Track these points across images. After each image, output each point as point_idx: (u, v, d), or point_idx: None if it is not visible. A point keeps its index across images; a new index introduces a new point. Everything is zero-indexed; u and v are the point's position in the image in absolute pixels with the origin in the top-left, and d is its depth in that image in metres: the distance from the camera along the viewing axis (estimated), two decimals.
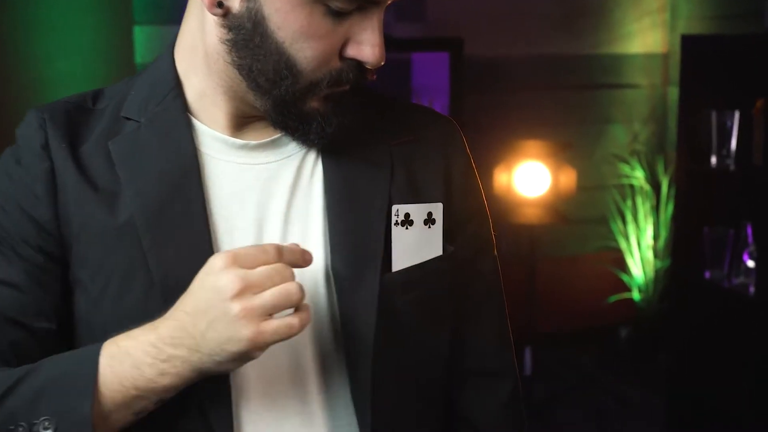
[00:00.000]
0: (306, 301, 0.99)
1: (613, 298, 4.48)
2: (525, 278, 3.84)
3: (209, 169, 1.08)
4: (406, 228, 1.11)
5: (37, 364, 1.00)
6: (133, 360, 0.96)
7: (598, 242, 4.51)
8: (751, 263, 3.26)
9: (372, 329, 1.06)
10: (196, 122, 1.10)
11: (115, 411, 0.97)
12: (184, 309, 0.96)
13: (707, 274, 3.38)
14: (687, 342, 3.49)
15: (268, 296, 0.93)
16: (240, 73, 1.03)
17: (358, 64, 1.02)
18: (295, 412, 1.08)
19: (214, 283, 0.93)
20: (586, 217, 4.42)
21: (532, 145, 3.76)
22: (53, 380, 0.98)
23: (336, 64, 1.01)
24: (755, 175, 3.23)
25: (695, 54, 3.41)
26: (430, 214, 1.12)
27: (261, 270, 0.93)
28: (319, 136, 1.05)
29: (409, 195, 1.12)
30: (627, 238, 4.47)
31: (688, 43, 3.45)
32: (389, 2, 1.02)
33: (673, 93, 4.38)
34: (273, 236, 1.08)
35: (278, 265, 0.94)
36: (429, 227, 1.12)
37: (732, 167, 3.28)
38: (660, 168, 4.47)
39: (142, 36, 3.51)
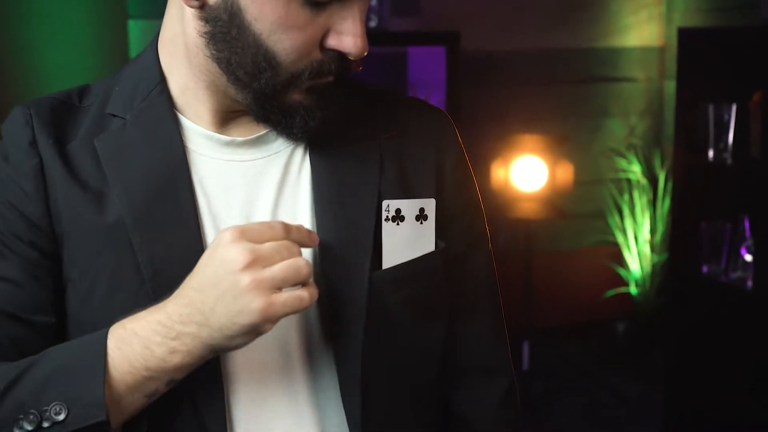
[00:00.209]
0: None
1: (611, 293, 4.47)
2: (522, 273, 3.84)
3: (196, 166, 1.07)
4: (397, 224, 1.09)
5: (40, 354, 0.98)
6: (142, 340, 0.95)
7: (595, 236, 4.51)
8: (748, 257, 3.25)
9: (361, 327, 1.05)
10: (181, 118, 1.08)
11: (126, 394, 0.95)
12: (191, 286, 0.95)
13: (704, 269, 3.38)
14: (684, 336, 3.49)
15: (278, 269, 0.92)
16: (219, 67, 1.01)
17: (340, 55, 1.00)
18: (285, 410, 1.07)
19: (223, 256, 0.93)
20: (583, 212, 4.41)
21: (529, 140, 3.75)
22: (61, 366, 0.96)
23: (317, 55, 0.99)
24: (752, 168, 3.23)
25: (692, 47, 3.39)
26: (422, 209, 1.10)
27: (270, 245, 0.93)
28: (302, 130, 1.03)
29: (399, 190, 1.10)
30: (624, 232, 4.46)
31: (685, 36, 3.44)
32: None
33: (670, 86, 4.38)
34: None
35: (286, 242, 0.94)
36: (421, 223, 1.11)
37: (729, 161, 3.27)
38: (657, 162, 4.47)
39: (136, 30, 3.49)
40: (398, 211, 1.09)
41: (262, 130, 1.09)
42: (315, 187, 1.08)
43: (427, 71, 4.02)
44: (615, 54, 4.47)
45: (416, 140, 1.15)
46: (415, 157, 1.13)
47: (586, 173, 4.31)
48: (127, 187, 1.03)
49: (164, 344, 0.94)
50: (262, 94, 1.00)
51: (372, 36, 3.95)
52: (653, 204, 4.46)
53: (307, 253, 1.05)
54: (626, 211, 4.47)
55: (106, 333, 0.96)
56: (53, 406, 0.93)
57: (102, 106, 1.09)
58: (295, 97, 1.01)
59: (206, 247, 1.02)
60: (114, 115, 1.08)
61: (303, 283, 0.95)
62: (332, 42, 0.99)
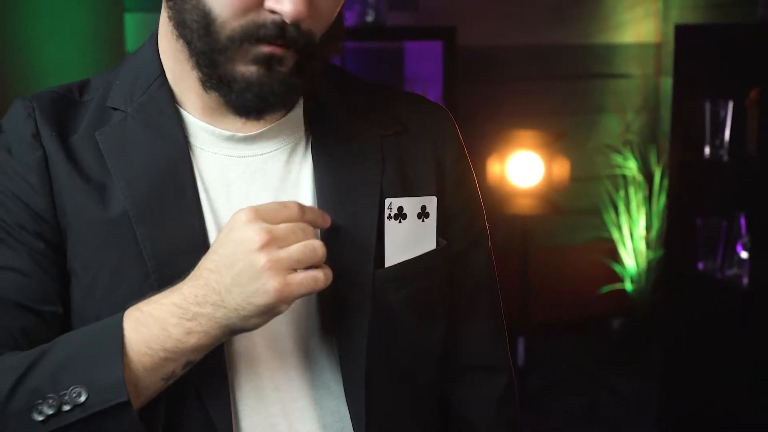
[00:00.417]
0: (298, 299, 0.98)
1: (606, 289, 4.47)
2: (518, 269, 3.84)
3: (197, 160, 1.07)
4: (399, 222, 1.09)
5: (52, 342, 0.97)
6: (158, 322, 0.94)
7: (591, 233, 4.51)
8: (744, 254, 3.25)
9: (365, 325, 1.05)
10: (182, 112, 1.08)
11: (144, 377, 0.94)
12: (206, 267, 0.94)
13: (700, 265, 3.38)
14: (680, 333, 3.49)
15: (294, 250, 0.93)
16: (182, 45, 1.02)
17: (283, 22, 0.97)
18: (286, 406, 1.07)
19: (239, 236, 0.93)
20: (579, 208, 4.41)
21: (525, 135, 3.75)
22: (77, 351, 0.95)
23: (255, 17, 0.97)
24: (749, 165, 3.23)
25: (689, 43, 3.39)
26: (423, 207, 1.10)
27: (285, 225, 0.94)
28: (256, 106, 1.01)
29: (401, 188, 1.10)
30: (620, 228, 4.46)
31: (682, 32, 3.43)
32: None
33: (666, 83, 4.38)
34: None
35: (301, 223, 0.95)
36: (423, 221, 1.10)
37: (725, 158, 3.27)
38: (653, 158, 4.47)
39: (133, 23, 3.48)
40: (400, 209, 1.09)
41: (263, 127, 1.08)
42: (317, 185, 1.08)
43: (423, 66, 4.01)
44: (611, 50, 4.47)
45: (416, 137, 1.14)
46: (416, 154, 1.13)
47: (582, 169, 4.32)
48: (130, 180, 1.03)
49: (181, 325, 0.94)
50: (208, 59, 0.99)
51: (369, 31, 3.97)
52: (649, 200, 4.46)
53: None
54: (622, 208, 4.47)
55: (121, 316, 0.95)
56: (72, 389, 0.92)
57: (102, 100, 1.09)
58: (240, 67, 0.99)
59: (209, 241, 1.02)
60: (115, 109, 1.07)
61: (317, 265, 0.95)
62: (270, 2, 0.97)
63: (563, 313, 4.47)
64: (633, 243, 4.43)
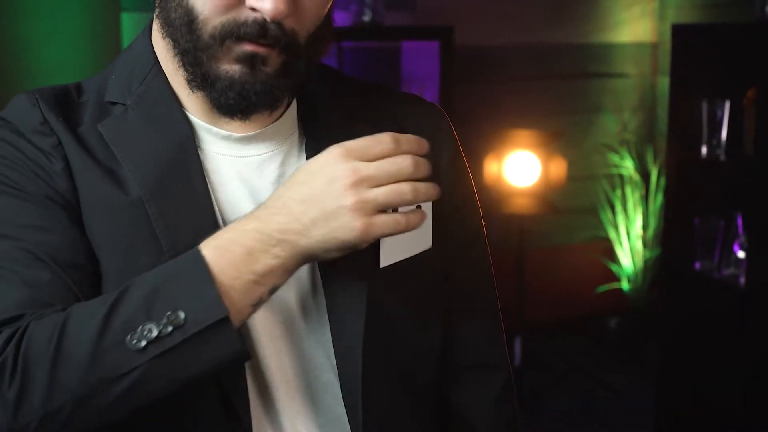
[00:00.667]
0: (293, 299, 1.00)
1: (603, 288, 4.48)
2: (515, 268, 3.84)
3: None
4: None
5: (126, 284, 0.94)
6: (243, 247, 0.93)
7: (588, 232, 4.51)
8: (741, 254, 3.25)
9: (361, 326, 1.05)
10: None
11: (237, 300, 0.93)
12: (292, 197, 0.95)
13: (697, 265, 3.38)
14: (676, 332, 3.49)
15: (382, 193, 0.94)
16: (168, 44, 1.03)
17: (264, 20, 0.98)
18: (285, 404, 1.08)
19: (331, 173, 0.94)
20: (575, 207, 4.41)
21: (522, 135, 3.75)
22: (161, 282, 0.92)
23: (236, 14, 0.98)
24: (746, 165, 3.22)
25: (686, 43, 3.39)
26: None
27: (377, 164, 0.95)
28: (239, 105, 1.02)
29: None
30: (616, 228, 4.47)
31: (679, 32, 3.43)
32: None
33: (663, 82, 4.38)
34: None
35: (397, 158, 0.95)
36: None
37: (723, 157, 3.26)
38: (649, 158, 4.47)
39: (129, 23, 3.47)
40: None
41: (259, 128, 1.08)
42: None
43: (420, 66, 4.01)
44: (608, 50, 4.47)
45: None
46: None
47: (579, 169, 4.31)
48: (138, 166, 1.03)
49: (266, 251, 0.94)
50: (192, 57, 1.00)
51: (366, 30, 3.97)
52: (645, 200, 4.46)
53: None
54: (619, 207, 4.47)
55: (198, 248, 0.94)
56: (169, 314, 0.90)
57: (99, 97, 1.09)
58: (224, 66, 1.00)
59: (218, 219, 1.03)
60: (114, 103, 1.08)
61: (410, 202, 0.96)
62: (251, 0, 0.98)
63: (560, 312, 4.47)
64: (630, 242, 4.44)
